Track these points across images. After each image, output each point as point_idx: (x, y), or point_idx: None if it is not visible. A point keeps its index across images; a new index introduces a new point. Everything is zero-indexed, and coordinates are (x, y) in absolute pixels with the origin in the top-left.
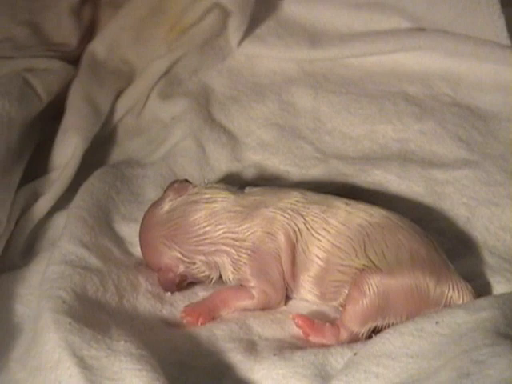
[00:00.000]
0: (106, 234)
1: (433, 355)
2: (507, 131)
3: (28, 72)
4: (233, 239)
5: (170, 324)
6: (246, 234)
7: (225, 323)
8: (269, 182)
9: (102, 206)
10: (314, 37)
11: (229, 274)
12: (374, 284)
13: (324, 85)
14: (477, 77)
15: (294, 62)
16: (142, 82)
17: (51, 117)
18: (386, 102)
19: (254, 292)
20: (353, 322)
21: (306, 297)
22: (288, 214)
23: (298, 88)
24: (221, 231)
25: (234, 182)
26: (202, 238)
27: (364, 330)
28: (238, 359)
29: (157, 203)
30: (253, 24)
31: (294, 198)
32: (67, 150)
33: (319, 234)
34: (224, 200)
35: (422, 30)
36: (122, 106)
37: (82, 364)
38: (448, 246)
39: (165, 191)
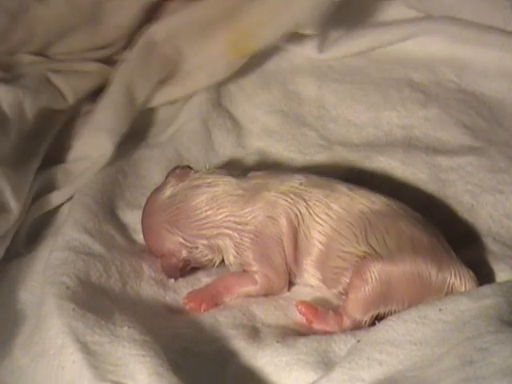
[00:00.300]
0: (110, 221)
1: (436, 342)
2: None
3: (54, 73)
4: (235, 223)
5: (173, 310)
6: (248, 217)
7: (228, 310)
8: (272, 168)
9: (108, 192)
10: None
11: (231, 258)
12: (375, 271)
13: (328, 73)
14: (482, 63)
15: (300, 51)
16: (188, 87)
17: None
18: (390, 89)
19: (257, 277)
20: (355, 310)
21: (310, 281)
22: (290, 198)
23: (303, 77)
24: (223, 215)
25: (238, 168)
26: (204, 221)
27: (367, 318)
28: (241, 346)
29: (158, 189)
30: None
31: (296, 181)
32: (95, 148)
33: (321, 218)
34: (226, 184)
35: (427, 17)
36: (157, 101)
37: (86, 350)
38: (452, 233)
39: (166, 177)
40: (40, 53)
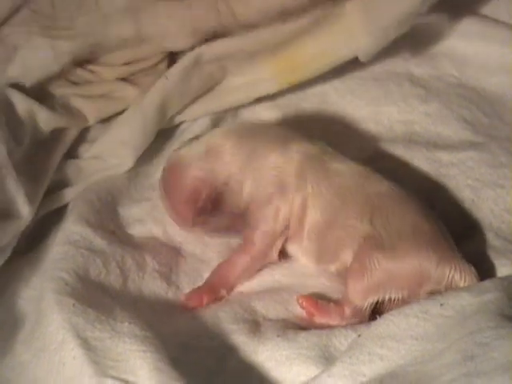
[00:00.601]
0: (113, 218)
1: (437, 337)
2: None
3: (77, 96)
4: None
5: (175, 305)
6: (271, 165)
7: (229, 305)
8: None
9: (114, 191)
10: None
11: (244, 196)
12: (375, 257)
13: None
14: (483, 58)
15: None
16: (225, 102)
17: None
18: (390, 84)
19: (254, 236)
20: (355, 296)
21: (307, 254)
22: (315, 161)
23: None
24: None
25: None
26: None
27: (367, 304)
28: (241, 341)
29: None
30: None
31: (323, 148)
32: (115, 157)
33: (333, 189)
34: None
35: (427, 12)
36: (188, 116)
37: (86, 345)
38: (453, 228)
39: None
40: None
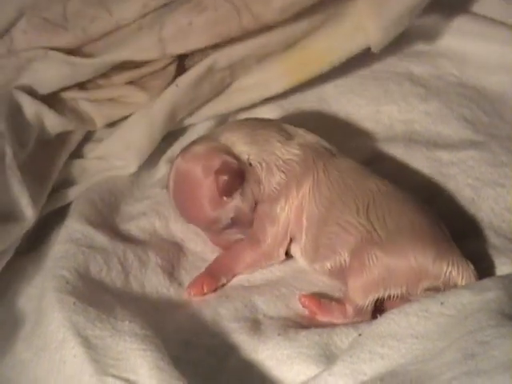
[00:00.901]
0: (115, 216)
1: (438, 336)
2: None
3: (85, 100)
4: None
5: (176, 303)
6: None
7: (230, 301)
8: None
9: (117, 191)
10: None
11: (266, 187)
12: (373, 255)
13: None
14: (483, 57)
15: None
16: (234, 104)
17: None
18: (390, 83)
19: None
20: (356, 294)
21: (305, 253)
22: (317, 154)
23: None
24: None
25: None
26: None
27: (368, 302)
28: (242, 339)
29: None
30: None
31: (325, 143)
32: (120, 160)
33: (332, 184)
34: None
35: (427, 10)
36: (197, 119)
37: (87, 344)
38: (453, 227)
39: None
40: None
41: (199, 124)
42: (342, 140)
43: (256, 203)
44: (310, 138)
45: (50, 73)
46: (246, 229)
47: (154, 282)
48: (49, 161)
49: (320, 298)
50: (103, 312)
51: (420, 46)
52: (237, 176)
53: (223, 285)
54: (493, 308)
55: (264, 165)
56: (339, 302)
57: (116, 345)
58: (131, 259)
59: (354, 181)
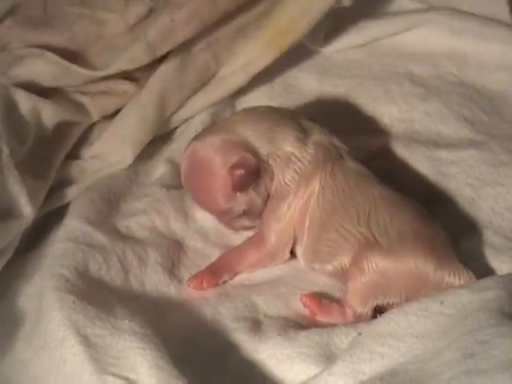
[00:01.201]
0: (115, 215)
1: (437, 335)
2: None
3: (83, 94)
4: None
5: (176, 301)
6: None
7: (230, 300)
8: None
9: (116, 189)
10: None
11: (277, 183)
12: (373, 261)
13: (329, 67)
14: (482, 56)
15: (301, 46)
16: (223, 90)
17: None
18: (390, 83)
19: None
20: (355, 300)
21: (305, 253)
22: (328, 155)
23: (304, 71)
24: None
25: None
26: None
27: (367, 309)
28: (242, 339)
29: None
30: None
31: (338, 142)
32: (114, 155)
33: (336, 188)
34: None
35: (428, 10)
36: (189, 112)
37: (87, 342)
38: (453, 227)
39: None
40: None
41: (196, 121)
42: (342, 140)
43: (270, 194)
44: (324, 136)
45: (45, 70)
46: (257, 219)
47: (153, 280)
48: (47, 158)
49: (321, 298)
50: (103, 310)
51: (420, 46)
52: (253, 172)
53: (224, 282)
54: (492, 307)
55: (279, 161)
56: (340, 303)
57: (116, 343)
58: (131, 257)
59: (357, 187)
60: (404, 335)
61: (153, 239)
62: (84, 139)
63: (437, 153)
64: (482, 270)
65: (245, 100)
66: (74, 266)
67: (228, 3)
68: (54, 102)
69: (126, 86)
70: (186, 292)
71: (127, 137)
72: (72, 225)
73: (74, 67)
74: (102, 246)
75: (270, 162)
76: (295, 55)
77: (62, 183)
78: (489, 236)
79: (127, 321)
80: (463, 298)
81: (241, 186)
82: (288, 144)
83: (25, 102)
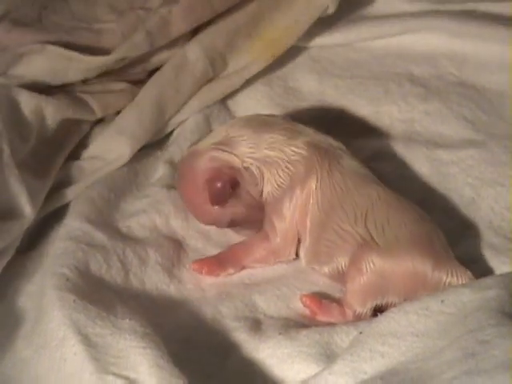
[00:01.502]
0: (115, 214)
1: (438, 334)
2: None
3: (84, 93)
4: (281, 151)
5: (176, 301)
6: (294, 158)
7: (230, 300)
8: None
9: (116, 189)
10: (320, 23)
11: (268, 188)
12: (371, 262)
13: (329, 69)
14: (482, 56)
15: (301, 47)
16: (219, 92)
17: None
18: (390, 83)
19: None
20: (354, 301)
21: (307, 253)
22: (324, 155)
23: (304, 72)
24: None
25: None
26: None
27: (366, 309)
28: (242, 338)
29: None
30: None
31: (334, 143)
32: (112, 151)
33: (334, 187)
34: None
35: (428, 10)
36: (188, 112)
37: (87, 342)
38: (453, 226)
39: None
40: None
41: (189, 121)
42: (342, 140)
43: (262, 203)
44: (318, 136)
45: (45, 66)
46: (249, 228)
47: (154, 280)
48: (49, 158)
49: (321, 298)
50: (103, 310)
51: (420, 47)
52: (227, 185)
53: (229, 274)
54: (493, 307)
55: (267, 166)
56: (340, 303)
57: (116, 343)
58: (131, 257)
59: (355, 186)
60: (404, 334)
61: (153, 239)
62: (83, 141)
63: (437, 153)
64: (482, 271)
65: (244, 102)
66: (75, 265)
67: (221, 3)
68: (56, 99)
69: (122, 85)
70: (187, 291)
71: (125, 134)
72: (72, 224)
73: (75, 55)
74: (102, 246)
75: (254, 168)
76: (294, 56)
77: (62, 184)
78: (488, 236)
79: (127, 320)
80: (464, 296)
81: (217, 200)
82: (278, 148)
83: (27, 102)
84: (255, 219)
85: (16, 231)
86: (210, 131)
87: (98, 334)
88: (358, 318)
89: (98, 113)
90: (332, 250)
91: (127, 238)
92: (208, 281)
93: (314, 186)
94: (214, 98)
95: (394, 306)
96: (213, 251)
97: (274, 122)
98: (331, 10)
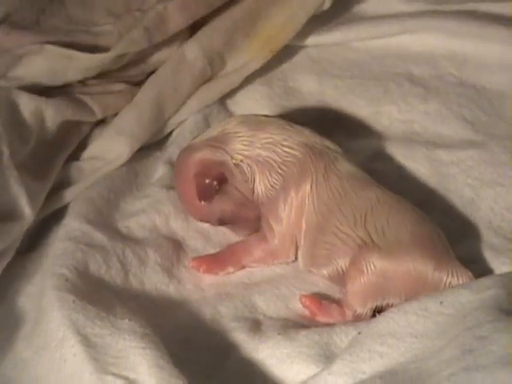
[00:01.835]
0: (115, 215)
1: (437, 335)
2: None
3: (84, 94)
4: (274, 152)
5: (176, 301)
6: (288, 159)
7: (230, 300)
8: None
9: (115, 189)
10: (318, 22)
11: (261, 187)
12: (371, 262)
13: (329, 69)
14: (482, 57)
15: (300, 48)
16: (218, 91)
17: None
18: (390, 84)
19: (268, 234)
20: (354, 301)
21: (303, 255)
22: (320, 156)
23: (303, 73)
24: (266, 136)
25: None
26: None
27: (366, 310)
28: (242, 338)
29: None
30: None
31: (330, 145)
32: (111, 150)
33: (331, 191)
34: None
35: (424, 11)
36: (187, 111)
37: (86, 342)
38: (453, 227)
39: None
40: None
41: (188, 121)
42: (342, 141)
43: (254, 202)
44: (314, 138)
45: (45, 67)
46: (242, 228)
47: (153, 280)
48: (48, 160)
49: (321, 298)
50: (103, 310)
51: (420, 47)
52: (213, 181)
53: (228, 273)
54: (491, 304)
55: (258, 165)
56: (339, 304)
57: (116, 343)
58: (130, 257)
59: (353, 189)
60: (403, 335)
61: (153, 239)
62: (82, 142)
63: (436, 153)
64: (482, 271)
65: (244, 102)
66: (74, 265)
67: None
68: (56, 101)
69: (122, 86)
70: (186, 291)
71: (124, 133)
72: (72, 224)
73: (74, 53)
74: (101, 246)
75: (246, 165)
76: (294, 57)
77: (61, 184)
78: (488, 236)
79: (127, 320)
80: (462, 297)
81: (204, 195)
82: (271, 147)
83: (27, 104)
84: (246, 218)
85: (16, 232)
86: (211, 127)
87: (97, 335)
88: (358, 319)
89: (97, 114)
90: (331, 253)
91: (127, 239)
92: (207, 281)
93: (309, 188)
94: (213, 98)
95: (394, 306)
96: (212, 252)
97: (271, 122)
98: (327, 6)
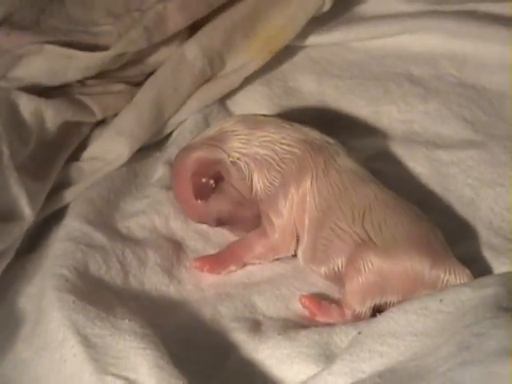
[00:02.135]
0: (114, 215)
1: (436, 333)
2: None
3: (83, 95)
4: (272, 150)
5: (176, 301)
6: (286, 156)
7: (229, 300)
8: None
9: (115, 190)
10: (318, 23)
11: (260, 185)
12: (368, 261)
13: (329, 69)
14: (482, 57)
15: (300, 48)
16: (218, 92)
17: None
18: (390, 84)
19: (269, 229)
20: (353, 300)
21: (304, 252)
22: (319, 152)
23: (303, 73)
24: (263, 134)
25: None
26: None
27: (365, 309)
28: (242, 339)
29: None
30: None
31: (330, 140)
32: (111, 151)
33: (331, 186)
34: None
35: (424, 12)
36: (187, 112)
37: (86, 342)
38: (453, 227)
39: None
40: None
41: (188, 121)
42: (342, 141)
43: (252, 201)
44: (313, 134)
45: (44, 67)
46: (240, 229)
47: (153, 280)
48: (48, 160)
49: (320, 299)
50: (103, 310)
51: (419, 47)
52: (210, 179)
53: (230, 272)
54: (490, 302)
55: (255, 163)
56: (339, 304)
57: (116, 343)
58: (130, 258)
59: (352, 185)
60: (403, 334)
61: (152, 240)
62: (82, 142)
63: (436, 153)
64: (482, 272)
65: (243, 102)
66: (74, 265)
67: None
68: (56, 102)
69: (121, 87)
70: (186, 292)
71: (124, 134)
72: (72, 225)
73: (74, 53)
74: (101, 246)
75: (243, 163)
76: (294, 57)
77: (61, 185)
78: (488, 237)
79: (127, 321)
80: (462, 295)
81: (200, 194)
82: (266, 146)
83: (27, 105)
84: (244, 217)
85: (16, 233)
86: (211, 126)
87: (97, 335)
88: (357, 318)
89: (97, 114)
90: (329, 249)
91: (127, 239)
92: (207, 281)
93: (310, 184)
94: (212, 98)
95: (393, 305)
96: (212, 252)
97: (269, 121)
98: (327, 7)
